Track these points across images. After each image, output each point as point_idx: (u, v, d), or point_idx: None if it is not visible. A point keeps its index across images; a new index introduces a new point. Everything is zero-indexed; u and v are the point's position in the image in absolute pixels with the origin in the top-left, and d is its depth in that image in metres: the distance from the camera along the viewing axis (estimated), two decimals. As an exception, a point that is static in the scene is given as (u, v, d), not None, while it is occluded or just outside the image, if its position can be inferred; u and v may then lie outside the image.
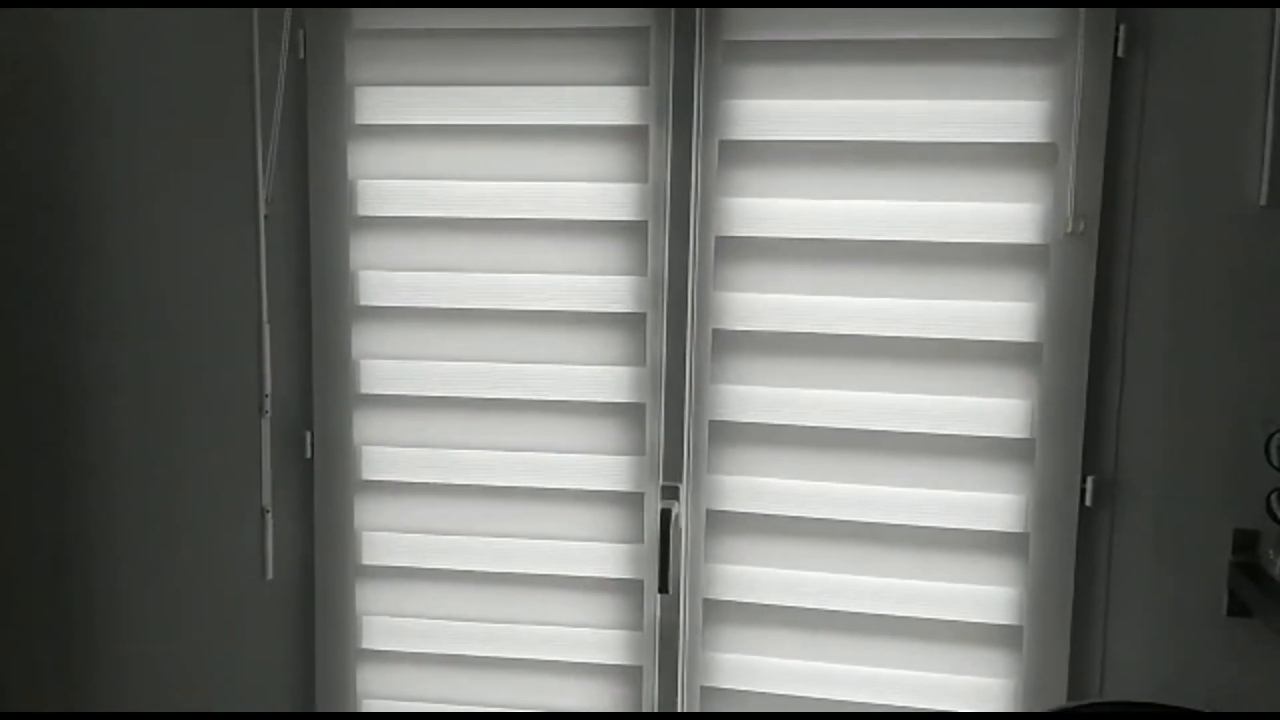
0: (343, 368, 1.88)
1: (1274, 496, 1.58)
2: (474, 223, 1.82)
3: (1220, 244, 1.65)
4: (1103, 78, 1.63)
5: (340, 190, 1.84)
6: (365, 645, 1.94)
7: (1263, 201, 1.61)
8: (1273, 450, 1.57)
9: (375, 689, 1.96)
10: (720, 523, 1.83)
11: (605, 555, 1.87)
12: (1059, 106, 1.66)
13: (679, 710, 1.86)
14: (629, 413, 1.83)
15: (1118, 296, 1.68)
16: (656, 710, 1.87)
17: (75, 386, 1.96)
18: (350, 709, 1.95)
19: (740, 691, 1.86)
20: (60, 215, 1.93)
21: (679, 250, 1.77)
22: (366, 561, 1.93)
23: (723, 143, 1.75)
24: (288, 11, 1.79)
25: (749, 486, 1.82)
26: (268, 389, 1.88)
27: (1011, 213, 1.69)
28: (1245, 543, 1.67)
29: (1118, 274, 1.68)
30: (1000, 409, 1.73)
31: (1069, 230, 1.66)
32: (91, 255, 1.93)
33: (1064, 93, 1.65)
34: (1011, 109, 1.67)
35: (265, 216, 1.85)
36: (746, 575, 1.83)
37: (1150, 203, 1.66)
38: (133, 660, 2.02)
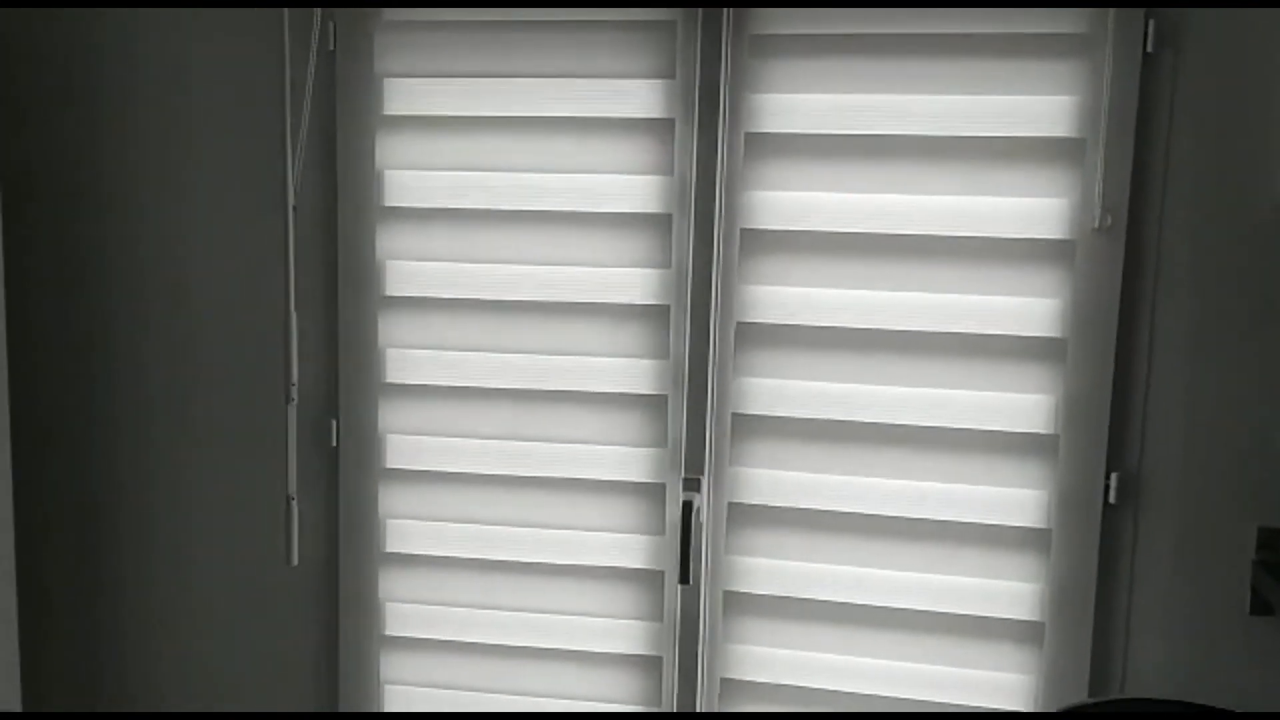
0: (368, 357, 1.90)
1: (1300, 495, 1.57)
2: (499, 214, 1.83)
3: (1247, 241, 1.64)
4: (1132, 73, 1.63)
5: (368, 181, 1.85)
6: (388, 632, 1.96)
7: (1292, 198, 1.60)
8: (1299, 449, 1.56)
9: (398, 675, 1.97)
10: (741, 515, 1.83)
11: (626, 546, 1.88)
12: (1087, 101, 1.65)
13: (697, 702, 1.87)
14: (651, 405, 1.84)
15: (1144, 292, 1.68)
16: (675, 703, 1.88)
17: (104, 373, 1.99)
18: (373, 695, 1.97)
19: (760, 684, 1.86)
20: (92, 205, 1.95)
21: (703, 243, 1.78)
22: (390, 549, 1.94)
23: (748, 135, 1.75)
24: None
25: (771, 479, 1.82)
26: (294, 377, 1.90)
27: (1038, 208, 1.69)
28: (1269, 541, 1.66)
29: (1144, 270, 1.67)
30: (1024, 404, 1.73)
31: (1096, 226, 1.66)
32: (121, 244, 1.95)
33: (1093, 88, 1.65)
34: (1039, 104, 1.67)
35: (294, 207, 1.86)
36: (767, 567, 1.84)
37: (1178, 199, 1.65)
38: (159, 644, 2.04)
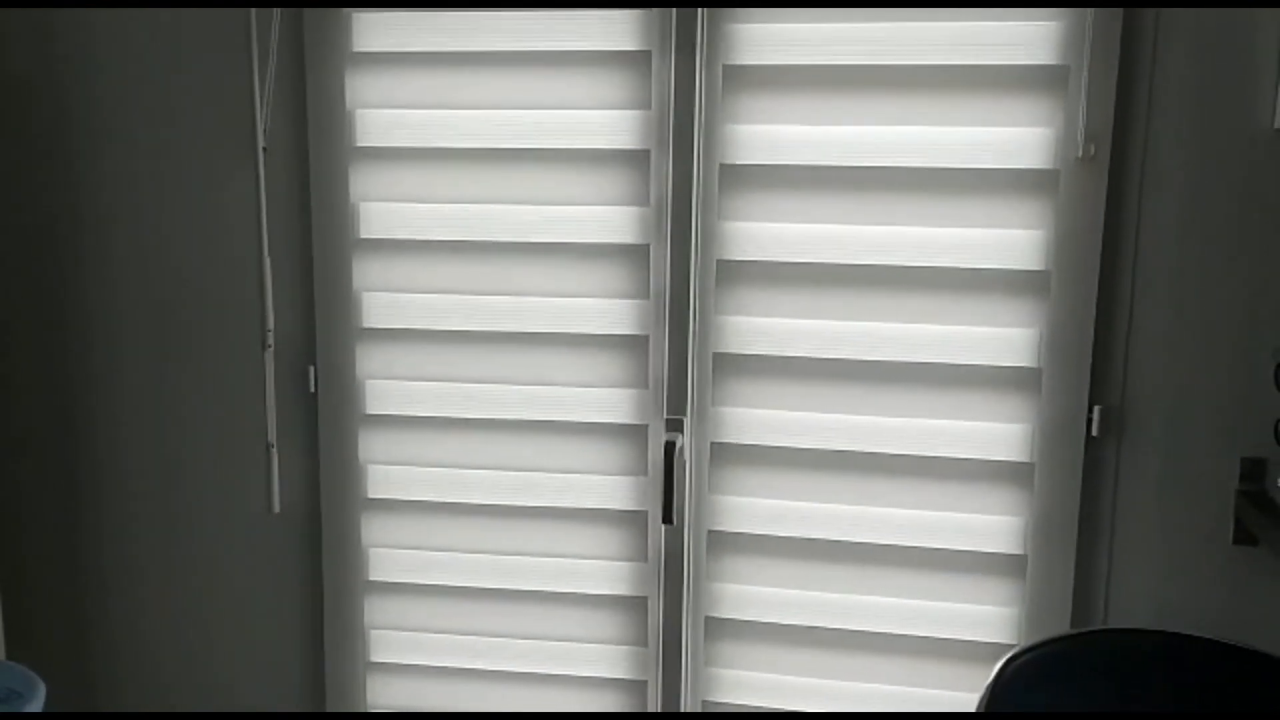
0: (345, 301, 1.87)
1: (1282, 424, 1.56)
2: (475, 152, 1.80)
3: (1233, 169, 1.62)
4: (1116, -3, 1.60)
5: (339, 121, 1.82)
6: (372, 578, 1.96)
7: (1276, 125, 1.58)
8: (1282, 377, 1.55)
9: (382, 621, 1.97)
10: (724, 455, 1.82)
11: (609, 487, 1.87)
12: (1070, 27, 1.62)
13: (682, 642, 1.87)
14: (632, 345, 1.82)
15: (1128, 223, 1.66)
16: (661, 643, 1.88)
17: (78, 327, 1.96)
18: (358, 641, 1.97)
19: (744, 621, 1.86)
20: (58, 154, 1.91)
21: (683, 179, 1.75)
22: (372, 495, 1.93)
23: (727, 68, 1.71)
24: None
25: (753, 419, 1.81)
26: (270, 324, 1.88)
27: (1021, 137, 1.66)
28: (1253, 471, 1.65)
29: (1128, 200, 1.65)
30: (1007, 338, 1.71)
31: (1079, 155, 1.63)
32: (87, 193, 1.91)
33: (1075, 13, 1.61)
34: (1021, 29, 1.63)
35: (264, 148, 1.83)
36: (750, 506, 1.83)
37: (1162, 127, 1.63)
38: (142, 595, 2.03)
